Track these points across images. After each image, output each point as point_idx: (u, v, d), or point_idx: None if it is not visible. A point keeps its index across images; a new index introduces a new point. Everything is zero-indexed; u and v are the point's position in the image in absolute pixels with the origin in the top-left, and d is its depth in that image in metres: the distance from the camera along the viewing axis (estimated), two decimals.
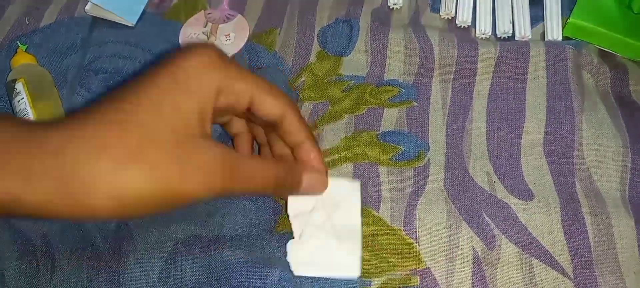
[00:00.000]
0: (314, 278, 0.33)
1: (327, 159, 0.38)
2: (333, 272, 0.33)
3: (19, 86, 0.39)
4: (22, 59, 0.42)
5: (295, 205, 0.34)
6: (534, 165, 0.37)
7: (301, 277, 0.33)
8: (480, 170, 0.37)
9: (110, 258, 0.35)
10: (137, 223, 0.36)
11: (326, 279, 0.33)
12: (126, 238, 0.36)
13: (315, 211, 0.33)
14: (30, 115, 0.38)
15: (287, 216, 0.34)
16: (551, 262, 0.33)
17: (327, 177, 0.34)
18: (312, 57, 0.43)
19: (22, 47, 0.43)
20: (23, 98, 0.39)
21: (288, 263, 0.33)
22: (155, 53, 0.45)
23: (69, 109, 0.42)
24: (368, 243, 0.34)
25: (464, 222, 0.35)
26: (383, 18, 0.44)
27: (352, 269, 0.32)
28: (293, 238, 0.34)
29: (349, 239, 0.33)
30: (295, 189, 0.32)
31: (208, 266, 0.34)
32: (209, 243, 0.35)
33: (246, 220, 0.36)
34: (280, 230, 0.35)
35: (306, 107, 0.40)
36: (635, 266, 0.33)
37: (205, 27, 0.45)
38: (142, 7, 0.47)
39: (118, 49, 0.45)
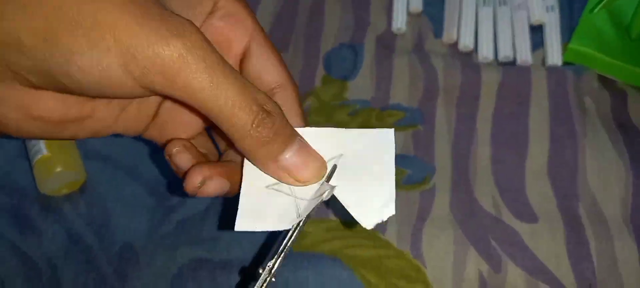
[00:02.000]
0: None
1: None
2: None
3: None
4: None
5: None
6: (539, 189, 0.37)
7: None
8: (486, 194, 0.37)
9: (115, 281, 0.35)
10: (142, 246, 0.36)
11: None
12: (131, 262, 0.36)
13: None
14: (42, 143, 0.38)
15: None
16: (557, 285, 0.33)
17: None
18: (318, 82, 0.43)
19: None
20: None
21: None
22: None
23: None
24: (376, 266, 0.34)
25: (470, 245, 0.35)
26: (387, 43, 0.45)
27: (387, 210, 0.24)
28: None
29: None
30: (268, 160, 0.23)
31: None
32: (215, 267, 0.35)
33: (252, 245, 0.36)
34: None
35: None
36: None
37: None
38: None
39: None
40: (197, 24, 0.22)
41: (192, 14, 0.25)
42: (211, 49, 0.21)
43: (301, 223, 0.23)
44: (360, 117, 0.41)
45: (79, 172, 0.39)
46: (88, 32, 0.20)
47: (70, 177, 0.38)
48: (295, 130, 0.24)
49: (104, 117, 0.25)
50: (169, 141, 0.26)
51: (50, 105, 0.22)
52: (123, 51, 0.20)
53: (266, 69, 0.26)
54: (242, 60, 0.26)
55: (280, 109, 0.23)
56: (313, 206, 0.23)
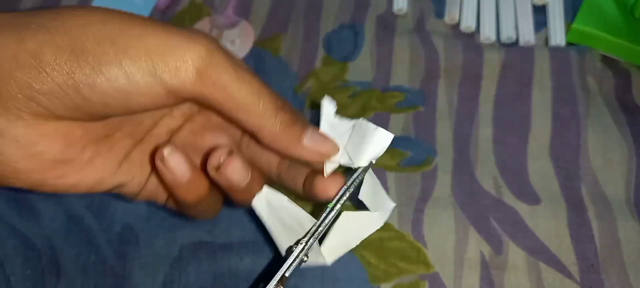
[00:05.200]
0: (322, 283, 0.33)
1: None
2: (364, 235, 0.27)
3: None
4: None
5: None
6: (541, 170, 0.37)
7: (310, 284, 0.33)
8: (488, 175, 0.37)
9: (115, 263, 0.35)
10: (142, 228, 0.36)
11: (334, 283, 0.33)
12: (131, 243, 0.36)
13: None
14: None
15: None
16: (558, 266, 0.33)
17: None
18: (318, 63, 0.43)
19: None
20: None
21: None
22: None
23: None
24: (376, 248, 0.34)
25: (471, 226, 0.35)
26: (388, 24, 0.44)
27: (379, 221, 0.27)
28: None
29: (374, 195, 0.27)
30: (293, 140, 0.25)
31: (213, 273, 0.34)
32: (216, 249, 0.35)
33: (252, 226, 0.36)
34: None
35: (312, 114, 0.40)
36: None
37: (210, 33, 0.45)
38: (148, 13, 0.47)
39: None
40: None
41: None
42: (227, 50, 0.23)
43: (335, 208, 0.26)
44: (361, 99, 0.41)
45: None
46: (115, 42, 0.20)
47: None
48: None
49: (106, 164, 0.25)
50: (157, 148, 0.24)
51: (52, 141, 0.22)
52: (153, 56, 0.21)
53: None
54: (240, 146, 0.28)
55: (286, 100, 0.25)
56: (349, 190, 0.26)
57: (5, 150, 0.21)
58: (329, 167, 0.26)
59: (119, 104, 0.21)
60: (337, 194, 0.26)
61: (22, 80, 0.20)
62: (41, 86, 0.20)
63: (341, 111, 0.40)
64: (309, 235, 0.25)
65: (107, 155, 0.25)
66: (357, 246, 0.34)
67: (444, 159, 0.38)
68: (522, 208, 0.35)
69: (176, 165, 0.24)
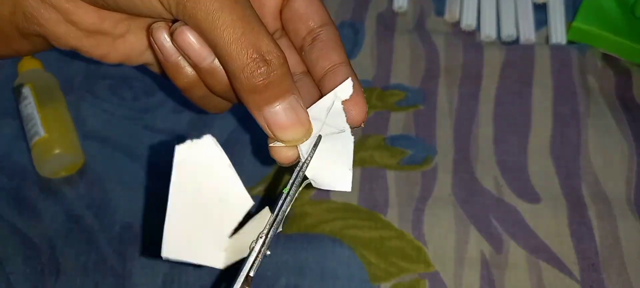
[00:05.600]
0: (322, 282, 0.33)
1: None
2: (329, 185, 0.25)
3: (26, 91, 0.39)
4: (29, 64, 0.41)
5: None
6: (541, 169, 0.37)
7: (309, 282, 0.33)
8: (488, 174, 0.37)
9: (115, 262, 0.35)
10: (142, 227, 0.36)
11: (334, 282, 0.33)
12: (131, 242, 0.36)
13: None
14: (38, 119, 0.38)
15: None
16: (559, 264, 0.33)
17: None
18: None
19: None
20: (30, 102, 0.39)
21: (294, 268, 0.33)
22: None
23: (76, 114, 0.41)
24: (376, 247, 0.34)
25: (472, 225, 0.35)
26: (388, 22, 0.44)
27: (345, 184, 0.24)
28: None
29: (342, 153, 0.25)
30: (254, 105, 0.22)
31: (213, 272, 0.34)
32: None
33: None
34: (287, 232, 0.35)
35: None
36: None
37: None
38: None
39: None
40: None
41: None
42: None
43: (289, 194, 0.23)
44: None
45: (77, 154, 0.38)
46: None
47: (68, 159, 0.38)
48: (293, 88, 0.22)
49: (136, 41, 0.26)
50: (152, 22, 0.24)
51: (85, 13, 0.24)
52: None
53: (312, 7, 0.25)
54: (286, 2, 0.26)
55: (284, 61, 0.22)
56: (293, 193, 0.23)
57: (45, 14, 0.23)
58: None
59: (129, 6, 0.22)
60: (291, 178, 0.23)
61: None
62: None
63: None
64: (267, 227, 0.22)
65: (139, 33, 0.26)
66: (357, 245, 0.34)
67: (444, 158, 0.37)
68: (522, 207, 0.35)
69: (163, 39, 0.23)
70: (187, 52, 0.22)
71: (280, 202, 0.23)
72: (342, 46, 0.25)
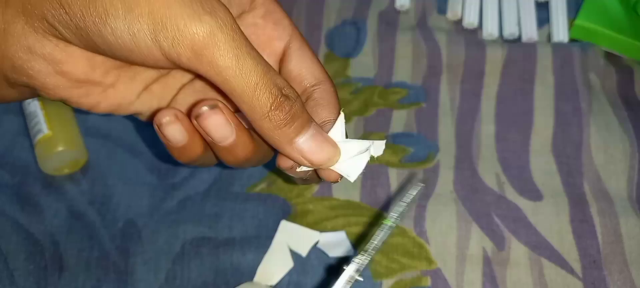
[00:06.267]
0: (322, 280, 0.33)
1: None
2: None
3: None
4: None
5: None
6: (543, 166, 0.37)
7: (311, 280, 0.33)
8: (490, 172, 0.37)
9: (118, 258, 0.35)
10: (145, 224, 0.36)
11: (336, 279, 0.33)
12: (134, 239, 0.36)
13: None
14: (41, 117, 0.38)
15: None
16: (560, 262, 0.33)
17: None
18: (320, 59, 0.43)
19: None
20: (33, 100, 0.39)
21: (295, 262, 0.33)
22: None
23: (79, 110, 0.41)
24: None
25: (473, 223, 0.35)
26: (390, 20, 0.44)
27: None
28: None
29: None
30: (284, 142, 0.24)
31: (216, 268, 0.34)
32: (218, 245, 0.35)
33: (255, 221, 0.36)
34: None
35: None
36: None
37: None
38: None
39: None
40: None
41: (227, 4, 0.24)
42: (240, 31, 0.21)
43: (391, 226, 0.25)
44: (363, 95, 0.41)
45: (80, 151, 0.39)
46: None
47: (71, 156, 0.38)
48: (311, 117, 0.24)
49: (126, 90, 0.26)
50: (158, 110, 0.24)
51: (77, 62, 0.23)
52: (155, 20, 0.20)
53: (307, 67, 0.27)
54: (282, 59, 0.27)
55: (298, 95, 0.23)
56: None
57: (35, 65, 0.22)
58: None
59: (124, 55, 0.22)
60: (393, 210, 0.25)
61: (46, 8, 0.21)
62: (62, 18, 0.21)
63: (344, 107, 0.40)
64: (364, 254, 0.24)
65: (129, 83, 0.26)
66: (359, 242, 0.34)
67: (446, 155, 0.38)
68: (524, 205, 0.35)
69: (172, 133, 0.24)
70: (212, 134, 0.24)
71: (380, 231, 0.25)
72: (335, 103, 0.27)
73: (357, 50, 0.43)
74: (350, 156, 0.25)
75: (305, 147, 0.24)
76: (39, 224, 0.36)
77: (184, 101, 0.27)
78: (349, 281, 0.24)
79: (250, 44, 0.22)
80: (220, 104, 0.23)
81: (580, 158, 0.37)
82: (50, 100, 0.39)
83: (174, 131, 0.24)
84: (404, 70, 0.41)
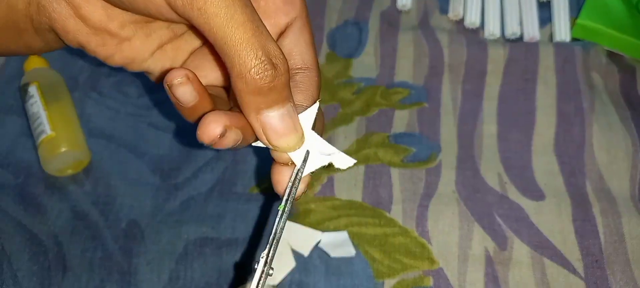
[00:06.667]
0: (327, 279, 0.33)
1: None
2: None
3: (32, 89, 0.40)
4: (35, 62, 0.42)
5: None
6: (545, 166, 0.37)
7: (313, 279, 0.33)
8: (492, 171, 0.37)
9: (121, 259, 0.35)
10: (148, 224, 0.36)
11: (338, 278, 0.33)
12: (137, 239, 0.36)
13: None
14: (44, 118, 0.38)
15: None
16: (563, 261, 0.33)
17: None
18: (322, 59, 0.43)
19: None
20: (36, 101, 0.39)
21: (299, 262, 0.33)
22: None
23: (81, 111, 0.42)
24: (380, 243, 0.34)
25: (476, 222, 0.35)
26: (392, 20, 0.44)
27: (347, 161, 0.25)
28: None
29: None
30: (250, 108, 0.23)
31: (219, 268, 0.34)
32: (221, 245, 0.35)
33: (258, 222, 0.36)
34: None
35: None
36: None
37: None
38: None
39: None
40: None
41: None
42: None
43: (286, 210, 0.23)
44: (365, 95, 0.41)
45: (83, 151, 0.39)
46: None
47: (74, 157, 0.38)
48: (291, 98, 0.23)
49: (141, 46, 0.26)
50: (168, 71, 0.24)
51: (95, 9, 0.24)
52: None
53: (299, 50, 0.26)
54: (282, 34, 0.26)
55: (288, 69, 0.22)
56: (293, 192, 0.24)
57: (57, 7, 0.24)
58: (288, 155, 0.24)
59: (132, 4, 0.22)
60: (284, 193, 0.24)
61: None
62: None
63: (346, 107, 0.40)
64: (268, 247, 0.22)
65: (145, 40, 0.26)
66: (361, 242, 0.35)
67: (448, 155, 0.38)
68: (526, 204, 0.35)
69: (182, 93, 0.23)
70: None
71: (278, 219, 0.23)
72: (315, 92, 0.26)
73: (359, 50, 0.43)
74: (312, 150, 0.24)
75: (269, 123, 0.23)
76: (42, 225, 0.37)
77: (194, 65, 0.27)
78: (263, 276, 0.22)
79: (250, 3, 0.21)
80: (190, 75, 0.23)
81: (582, 158, 0.37)
82: (52, 101, 0.39)
83: (184, 92, 0.23)
84: (406, 70, 0.42)
